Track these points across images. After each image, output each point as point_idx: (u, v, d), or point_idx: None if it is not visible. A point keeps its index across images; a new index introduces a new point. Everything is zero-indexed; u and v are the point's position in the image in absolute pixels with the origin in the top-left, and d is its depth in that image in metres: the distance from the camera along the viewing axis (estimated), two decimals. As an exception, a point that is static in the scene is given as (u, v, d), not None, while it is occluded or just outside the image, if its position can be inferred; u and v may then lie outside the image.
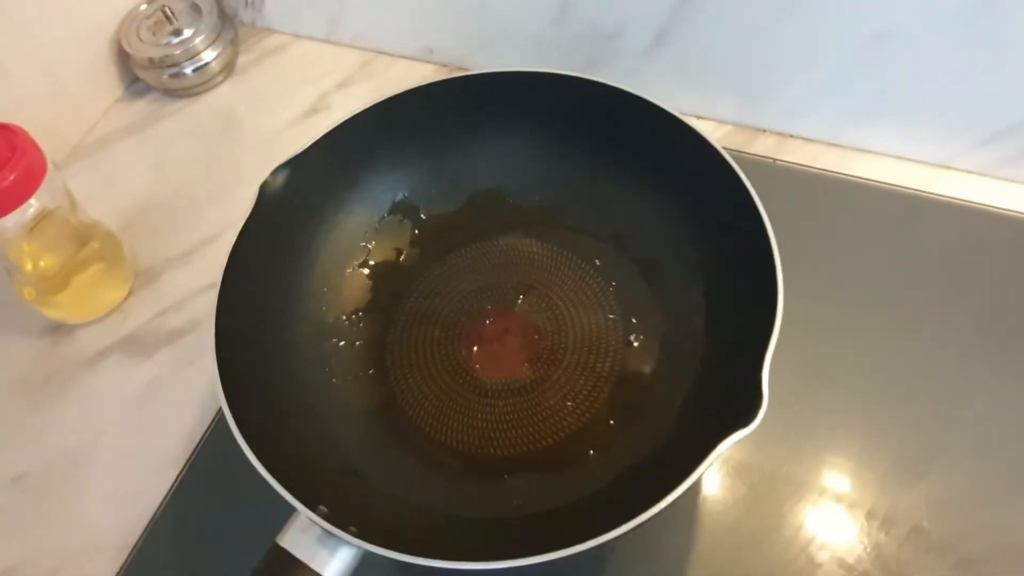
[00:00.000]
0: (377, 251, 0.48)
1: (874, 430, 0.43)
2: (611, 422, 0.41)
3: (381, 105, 0.44)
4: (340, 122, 0.43)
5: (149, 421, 0.48)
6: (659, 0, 0.51)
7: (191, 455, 0.46)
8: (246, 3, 0.65)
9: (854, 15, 0.47)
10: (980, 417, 0.43)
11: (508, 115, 0.46)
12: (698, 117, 0.57)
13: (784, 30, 0.49)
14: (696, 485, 0.31)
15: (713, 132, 0.57)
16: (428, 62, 0.63)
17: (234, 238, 0.39)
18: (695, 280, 0.43)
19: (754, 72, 0.53)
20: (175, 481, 0.45)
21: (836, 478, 0.42)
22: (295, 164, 0.42)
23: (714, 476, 0.43)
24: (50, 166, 0.44)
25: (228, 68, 0.64)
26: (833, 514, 0.41)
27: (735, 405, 0.32)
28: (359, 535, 0.30)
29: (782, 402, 0.43)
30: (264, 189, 0.41)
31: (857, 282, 0.48)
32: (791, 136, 0.56)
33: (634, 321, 0.44)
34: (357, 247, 0.47)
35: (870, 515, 0.41)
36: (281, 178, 0.41)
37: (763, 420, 0.31)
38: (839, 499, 0.41)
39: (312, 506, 0.31)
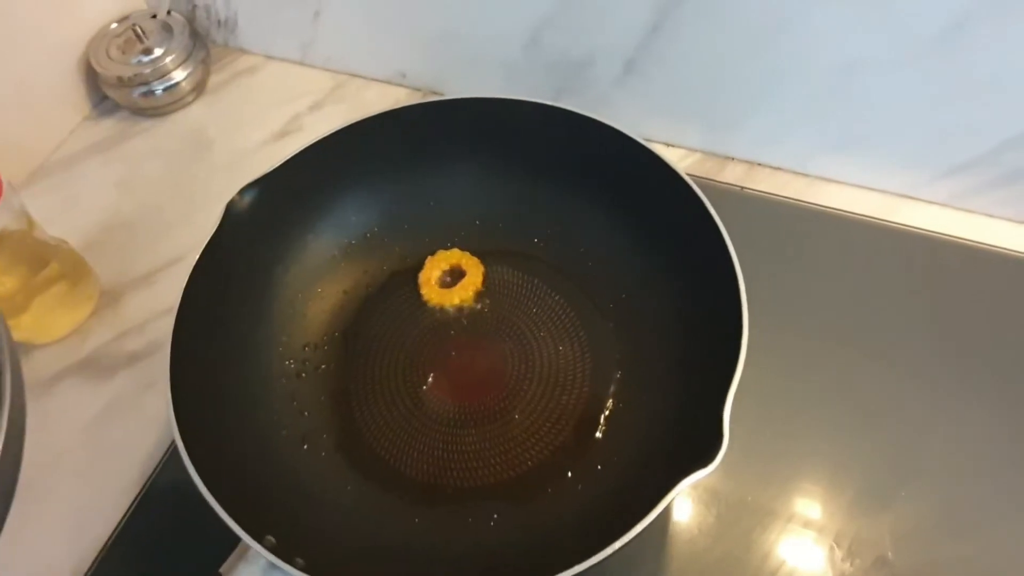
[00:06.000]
0: (345, 275, 0.47)
1: (839, 460, 0.43)
2: (574, 456, 0.41)
3: (353, 127, 0.44)
4: (311, 143, 0.43)
5: (105, 446, 0.47)
6: (627, 31, 0.51)
7: (147, 480, 0.45)
8: (219, 23, 0.65)
9: (818, 49, 0.47)
10: (944, 446, 0.43)
11: (480, 141, 0.46)
12: (667, 145, 0.58)
13: (751, 62, 0.50)
14: (664, 514, 0.31)
15: (682, 160, 0.57)
16: (401, 86, 0.64)
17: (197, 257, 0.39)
18: (661, 313, 0.43)
19: (722, 102, 0.54)
20: (130, 506, 0.44)
21: (802, 507, 0.42)
22: (263, 184, 0.41)
23: (682, 504, 0.42)
24: (7, 188, 0.44)
25: (199, 88, 0.64)
26: (799, 543, 0.41)
27: (695, 444, 0.32)
28: (306, 568, 0.29)
29: (749, 431, 0.43)
30: (230, 208, 0.40)
31: (822, 310, 0.49)
32: (759, 164, 0.56)
33: (599, 354, 0.44)
34: (325, 270, 0.47)
35: (835, 545, 0.41)
36: (248, 197, 0.41)
37: (730, 448, 0.31)
38: (805, 527, 0.41)
39: (259, 536, 0.30)
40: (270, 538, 0.30)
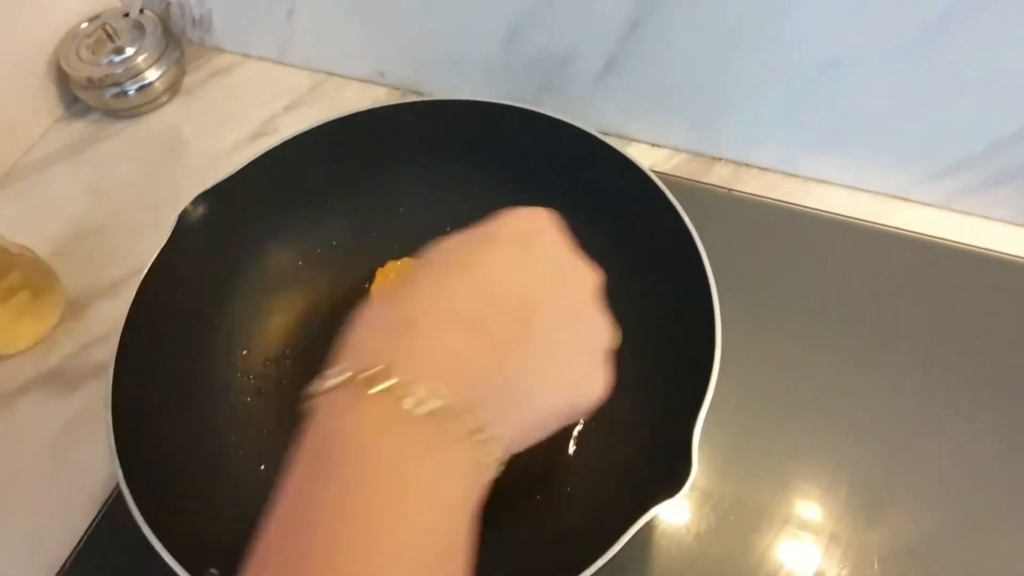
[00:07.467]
0: (310, 285, 0.45)
1: (831, 466, 0.42)
2: (543, 477, 0.39)
3: (314, 131, 0.43)
4: (272, 147, 0.42)
5: (70, 460, 0.45)
6: (608, 27, 0.49)
7: (108, 498, 0.43)
8: (193, 22, 0.64)
9: (801, 44, 0.45)
10: (938, 452, 0.42)
11: (450, 145, 0.45)
12: (653, 145, 0.56)
13: (734, 58, 0.48)
14: (651, 524, 0.30)
15: (668, 161, 0.55)
16: (380, 84, 0.62)
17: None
18: (634, 322, 0.40)
19: (706, 100, 0.52)
20: (89, 526, 0.43)
21: (797, 510, 0.41)
22: (219, 192, 0.40)
23: (677, 506, 0.41)
24: (-37, 196, 0.42)
25: (173, 88, 0.62)
26: (795, 546, 0.40)
27: (664, 469, 0.30)
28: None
29: (742, 435, 0.42)
30: (183, 218, 0.39)
31: (813, 316, 0.47)
32: (746, 165, 0.54)
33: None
34: (287, 280, 0.45)
35: (831, 547, 0.40)
36: (202, 207, 0.40)
37: (721, 454, 0.30)
38: (801, 529, 0.40)
39: (198, 572, 0.28)
40: (213, 571, 0.29)
